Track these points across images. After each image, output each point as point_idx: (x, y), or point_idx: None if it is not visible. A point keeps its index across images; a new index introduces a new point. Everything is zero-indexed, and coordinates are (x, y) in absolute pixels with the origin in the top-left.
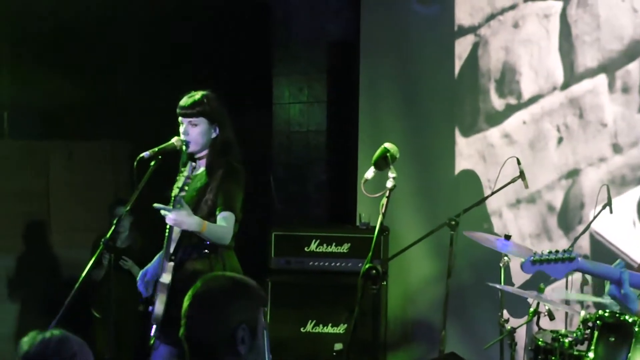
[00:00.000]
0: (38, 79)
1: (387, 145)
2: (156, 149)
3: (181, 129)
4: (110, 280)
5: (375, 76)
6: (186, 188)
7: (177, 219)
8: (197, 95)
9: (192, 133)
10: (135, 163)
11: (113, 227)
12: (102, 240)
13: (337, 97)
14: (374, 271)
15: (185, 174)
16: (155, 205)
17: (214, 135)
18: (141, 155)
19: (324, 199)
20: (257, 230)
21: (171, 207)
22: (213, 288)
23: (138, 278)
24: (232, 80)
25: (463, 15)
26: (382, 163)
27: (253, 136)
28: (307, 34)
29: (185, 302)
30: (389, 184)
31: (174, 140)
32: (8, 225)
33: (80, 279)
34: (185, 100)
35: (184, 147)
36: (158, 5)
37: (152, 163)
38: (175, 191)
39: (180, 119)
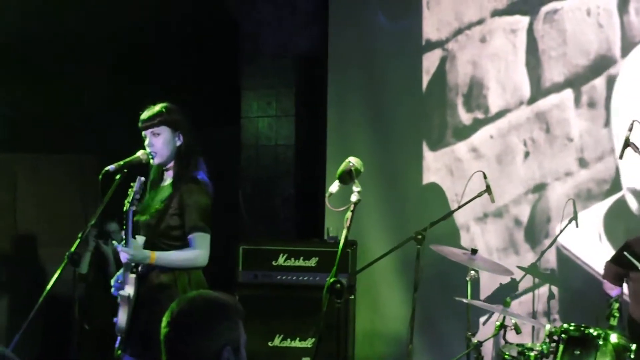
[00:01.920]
0: (3, 90)
1: (351, 159)
2: (121, 162)
3: (146, 142)
4: (75, 291)
5: (343, 90)
6: (136, 203)
7: (129, 259)
8: (157, 107)
9: (156, 144)
10: (100, 176)
11: (78, 241)
12: (67, 254)
13: (305, 111)
14: (338, 285)
15: (135, 188)
16: (115, 244)
17: (178, 143)
18: (106, 168)
19: (292, 213)
20: (224, 244)
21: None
22: (193, 313)
23: (113, 281)
24: (200, 94)
25: (430, 30)
26: (347, 177)
27: (221, 150)
28: (276, 48)
29: (164, 328)
30: (354, 197)
31: (139, 153)
32: None
33: (44, 293)
34: (145, 114)
35: (150, 160)
36: (126, 18)
37: (118, 176)
38: (125, 206)
39: (143, 133)
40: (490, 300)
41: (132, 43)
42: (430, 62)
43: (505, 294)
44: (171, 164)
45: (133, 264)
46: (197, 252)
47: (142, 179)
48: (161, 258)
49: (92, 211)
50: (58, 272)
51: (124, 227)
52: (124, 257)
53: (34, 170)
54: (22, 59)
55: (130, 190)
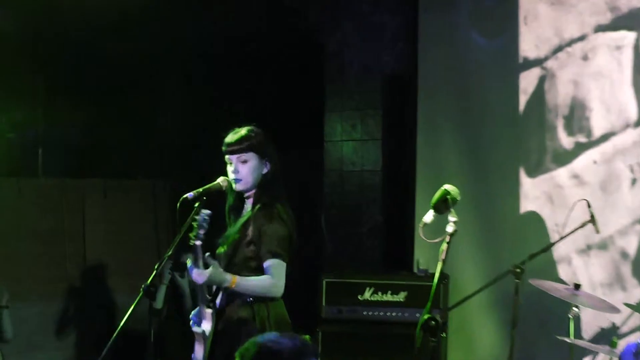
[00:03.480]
0: (73, 115)
1: (447, 187)
2: (200, 189)
3: (229, 168)
4: (151, 326)
5: (434, 112)
6: (202, 237)
7: (207, 280)
8: (243, 130)
9: (242, 171)
10: (178, 204)
11: (154, 273)
12: (142, 286)
13: (393, 135)
14: (433, 322)
15: (199, 222)
16: (189, 262)
17: (264, 171)
18: (184, 196)
19: (379, 243)
20: (307, 277)
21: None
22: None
23: (191, 318)
24: (281, 117)
25: (528, 47)
26: (442, 206)
27: (304, 175)
28: (361, 68)
29: None
30: (450, 228)
31: (220, 180)
32: (40, 267)
33: (118, 328)
34: (231, 137)
35: (233, 185)
36: (201, 38)
37: (196, 204)
38: (191, 241)
39: (227, 157)
40: (594, 340)
41: (210, 63)
42: (527, 81)
43: (611, 333)
44: (252, 192)
45: (210, 299)
46: (272, 279)
47: (208, 212)
48: (241, 283)
49: (165, 239)
50: (133, 305)
51: (195, 263)
52: (199, 278)
53: (103, 196)
54: (92, 81)
55: (194, 223)
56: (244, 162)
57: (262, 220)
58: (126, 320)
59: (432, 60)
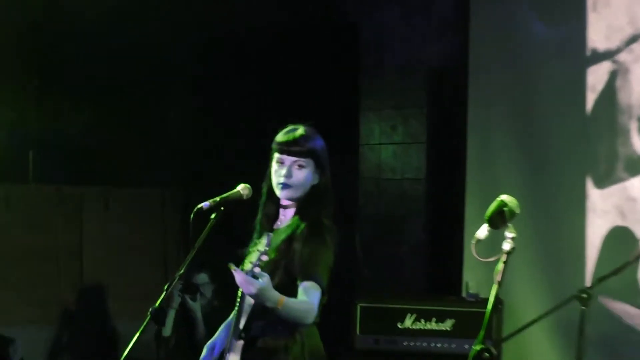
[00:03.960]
0: (70, 114)
1: (504, 197)
2: (218, 198)
3: (279, 169)
4: (159, 355)
5: (486, 112)
6: (260, 265)
7: (257, 291)
8: (300, 129)
9: (296, 176)
10: (191, 215)
11: (163, 294)
12: (150, 309)
13: (439, 137)
14: (487, 354)
15: (261, 248)
16: (232, 266)
17: (315, 181)
18: (199, 206)
19: (422, 263)
20: (339, 301)
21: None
22: None
23: (204, 353)
24: (310, 116)
25: (597, 37)
26: (498, 220)
27: (336, 184)
28: (403, 60)
29: None
30: (507, 246)
31: (240, 188)
32: (31, 288)
33: (122, 358)
34: (288, 135)
35: (277, 191)
36: (215, 33)
37: (213, 216)
38: (246, 267)
39: (279, 156)
40: None
41: (225, 55)
42: (596, 77)
43: None
44: (293, 203)
45: (242, 329)
46: (310, 303)
47: (271, 234)
48: (287, 305)
49: (174, 256)
50: (139, 332)
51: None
52: (248, 288)
53: (104, 207)
54: (92, 77)
55: (252, 247)
56: (301, 167)
57: (310, 241)
58: (130, 349)
59: (485, 52)
